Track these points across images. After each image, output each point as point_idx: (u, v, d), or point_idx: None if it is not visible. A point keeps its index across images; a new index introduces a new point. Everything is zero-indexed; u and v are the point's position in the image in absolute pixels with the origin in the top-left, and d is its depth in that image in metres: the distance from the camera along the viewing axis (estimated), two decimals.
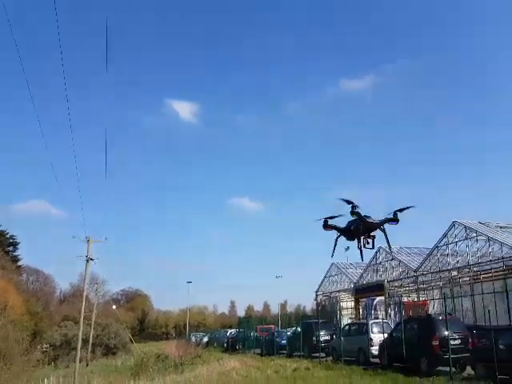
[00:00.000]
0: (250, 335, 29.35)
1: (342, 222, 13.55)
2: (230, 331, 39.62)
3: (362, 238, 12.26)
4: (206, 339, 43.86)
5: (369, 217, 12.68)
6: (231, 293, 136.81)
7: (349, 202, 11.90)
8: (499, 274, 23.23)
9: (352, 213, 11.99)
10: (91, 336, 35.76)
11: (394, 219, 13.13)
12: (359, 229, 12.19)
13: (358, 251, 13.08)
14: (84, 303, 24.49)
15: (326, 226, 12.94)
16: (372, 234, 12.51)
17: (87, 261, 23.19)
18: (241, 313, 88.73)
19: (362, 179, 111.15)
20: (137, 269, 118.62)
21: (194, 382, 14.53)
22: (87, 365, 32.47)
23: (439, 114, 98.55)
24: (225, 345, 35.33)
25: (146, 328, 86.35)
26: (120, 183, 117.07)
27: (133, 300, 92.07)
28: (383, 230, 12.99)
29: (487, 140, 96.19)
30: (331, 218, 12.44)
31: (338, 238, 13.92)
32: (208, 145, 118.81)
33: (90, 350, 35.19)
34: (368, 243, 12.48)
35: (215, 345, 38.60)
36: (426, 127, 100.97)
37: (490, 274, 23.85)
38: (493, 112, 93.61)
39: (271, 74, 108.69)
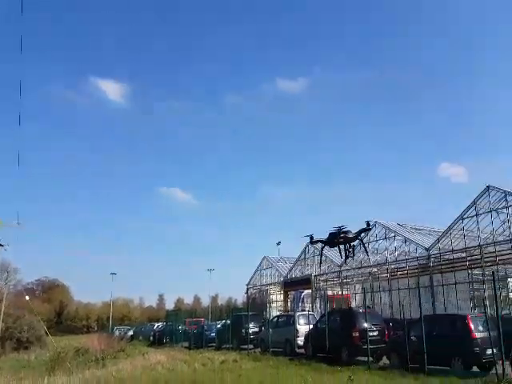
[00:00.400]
0: (178, 328, 28.92)
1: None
2: (157, 325, 38.71)
3: (344, 247, 15.57)
4: (130, 333, 42.37)
5: (349, 231, 15.61)
6: (160, 285, 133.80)
7: (339, 228, 15.16)
8: (414, 271, 25.41)
9: (336, 234, 14.55)
10: (0, 329, 32.84)
11: (368, 228, 16.88)
12: (341, 241, 15.29)
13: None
14: None
15: (312, 241, 16.27)
16: (352, 244, 15.16)
17: None
18: (170, 306, 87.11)
19: (288, 177, 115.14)
20: (56, 258, 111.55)
21: (116, 377, 13.93)
22: None
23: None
24: (151, 338, 34.43)
25: (65, 320, 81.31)
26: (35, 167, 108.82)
27: (50, 290, 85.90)
28: (360, 239, 16.35)
29: (411, 150, 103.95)
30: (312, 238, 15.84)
31: (323, 248, 16.97)
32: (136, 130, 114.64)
33: None
34: (349, 252, 15.02)
35: (141, 339, 37.38)
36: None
37: (406, 272, 25.98)
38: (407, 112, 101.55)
39: (210, 68, 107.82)
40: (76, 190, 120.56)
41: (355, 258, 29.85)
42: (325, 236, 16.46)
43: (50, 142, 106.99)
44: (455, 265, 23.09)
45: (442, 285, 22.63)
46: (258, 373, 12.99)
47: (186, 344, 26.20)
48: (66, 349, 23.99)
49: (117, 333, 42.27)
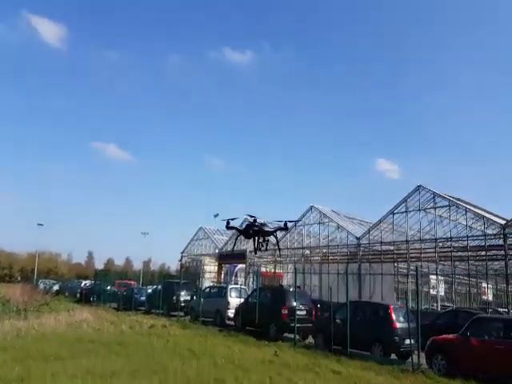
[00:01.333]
0: (106, 289, 28.31)
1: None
2: (84, 282, 37.74)
3: (257, 240, 15.03)
4: (56, 287, 41.15)
5: (265, 225, 15.67)
6: (90, 243, 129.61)
7: (252, 217, 14.84)
8: (344, 258, 26.81)
9: (252, 225, 14.19)
10: None
11: (285, 228, 16.71)
12: (256, 233, 14.85)
13: (252, 247, 16.19)
14: None
15: (228, 227, 15.43)
16: (266, 238, 14.99)
17: None
18: (99, 265, 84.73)
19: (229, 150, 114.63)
20: None
21: (38, 330, 13.46)
22: None
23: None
24: (78, 296, 33.45)
25: None
26: None
27: None
28: (275, 236, 16.50)
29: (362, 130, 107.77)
30: (233, 219, 14.77)
31: (238, 236, 16.64)
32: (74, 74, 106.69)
33: None
34: (262, 246, 15.11)
35: (67, 295, 36.26)
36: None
37: (337, 257, 27.37)
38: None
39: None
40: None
41: (291, 240, 31.05)
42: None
43: None
44: (383, 256, 24.70)
45: (370, 274, 24.08)
46: (186, 339, 13.14)
47: (115, 305, 25.76)
48: None
49: (41, 286, 40.69)
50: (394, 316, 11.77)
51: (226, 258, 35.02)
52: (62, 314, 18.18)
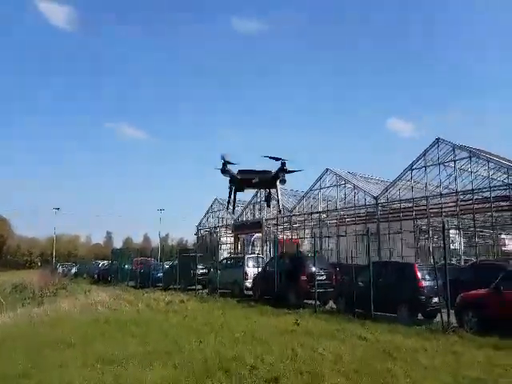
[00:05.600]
0: (123, 267, 28.24)
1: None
2: (102, 262, 37.91)
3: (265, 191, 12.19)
4: (74, 270, 41.57)
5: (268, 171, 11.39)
6: (108, 224, 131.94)
7: (275, 158, 10.72)
8: (362, 218, 26.07)
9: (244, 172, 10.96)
10: None
11: (286, 170, 11.83)
12: (248, 180, 11.24)
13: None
14: None
15: (224, 170, 11.29)
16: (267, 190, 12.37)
17: None
18: (118, 245, 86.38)
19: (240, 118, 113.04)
20: None
21: (49, 316, 13.18)
22: None
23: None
24: (95, 276, 33.73)
25: (5, 255, 78.30)
26: None
27: None
28: (276, 187, 12.04)
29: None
30: (230, 163, 10.83)
31: (231, 188, 12.19)
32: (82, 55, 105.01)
33: None
34: (270, 200, 12.36)
35: (85, 276, 36.60)
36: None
37: (354, 219, 26.63)
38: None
39: None
40: (15, 119, 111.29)
41: (306, 204, 30.19)
42: None
43: None
44: (402, 214, 23.84)
45: (388, 233, 23.38)
46: (204, 314, 12.77)
47: (133, 283, 25.72)
48: (2, 285, 22.80)
49: (60, 269, 41.27)
50: (419, 274, 11.09)
51: (242, 228, 34.61)
52: (79, 296, 18.10)
